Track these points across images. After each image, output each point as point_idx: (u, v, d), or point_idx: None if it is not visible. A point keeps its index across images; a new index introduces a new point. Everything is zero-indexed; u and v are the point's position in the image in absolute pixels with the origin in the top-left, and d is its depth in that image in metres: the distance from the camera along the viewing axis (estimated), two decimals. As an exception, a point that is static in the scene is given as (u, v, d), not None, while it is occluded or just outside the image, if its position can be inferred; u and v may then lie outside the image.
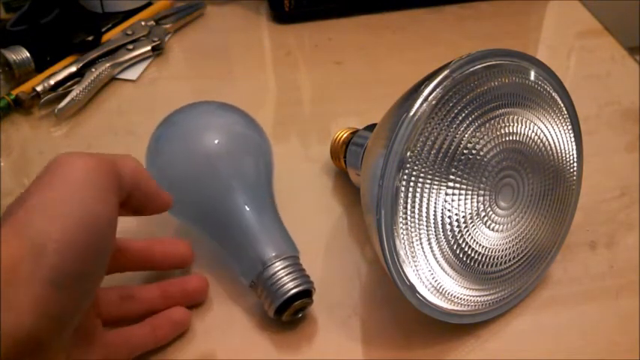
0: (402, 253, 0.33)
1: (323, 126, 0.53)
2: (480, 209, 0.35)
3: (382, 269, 0.34)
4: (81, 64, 0.55)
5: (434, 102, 0.32)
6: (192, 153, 0.39)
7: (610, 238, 0.43)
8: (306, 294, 0.36)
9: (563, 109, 0.37)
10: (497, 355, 0.36)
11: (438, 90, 0.32)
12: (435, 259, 0.34)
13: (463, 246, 0.35)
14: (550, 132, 0.37)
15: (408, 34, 0.63)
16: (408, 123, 0.32)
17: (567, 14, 0.66)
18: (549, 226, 0.39)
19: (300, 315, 0.37)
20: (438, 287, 0.35)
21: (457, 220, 0.34)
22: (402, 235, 0.33)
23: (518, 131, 0.35)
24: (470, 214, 0.35)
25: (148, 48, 0.59)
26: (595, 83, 0.57)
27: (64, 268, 0.27)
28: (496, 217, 0.36)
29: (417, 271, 0.34)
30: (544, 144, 0.37)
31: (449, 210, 0.34)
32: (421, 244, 0.34)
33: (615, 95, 0.56)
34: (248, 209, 0.38)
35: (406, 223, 0.33)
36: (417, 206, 0.33)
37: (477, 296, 0.36)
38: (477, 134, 0.34)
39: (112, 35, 0.60)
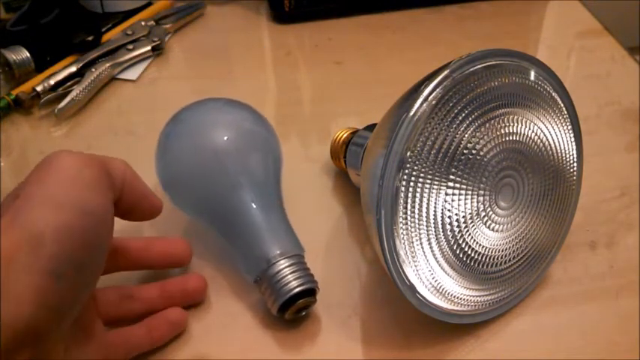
0: (402, 253, 0.33)
1: (323, 126, 0.53)
2: (480, 209, 0.35)
3: (382, 269, 0.34)
4: (81, 64, 0.55)
5: (434, 102, 0.32)
6: (201, 149, 0.39)
7: (610, 238, 0.43)
8: (310, 293, 0.36)
9: (563, 109, 0.37)
10: (497, 355, 0.36)
11: (438, 90, 0.32)
12: (435, 259, 0.34)
13: (463, 246, 0.35)
14: (550, 132, 0.37)
15: (408, 34, 0.63)
16: (408, 123, 0.32)
17: (567, 14, 0.66)
18: (549, 226, 0.39)
19: (303, 313, 0.37)
20: (438, 287, 0.35)
21: (457, 220, 0.34)
22: (402, 235, 0.33)
23: (518, 131, 0.35)
24: (470, 214, 0.35)
25: (148, 48, 0.59)
26: (595, 83, 0.57)
27: (62, 257, 0.27)
28: (496, 217, 0.36)
29: (417, 271, 0.34)
30: (544, 144, 0.37)
31: (449, 210, 0.34)
32: (421, 244, 0.34)
33: (615, 95, 0.56)
34: (255, 206, 0.38)
35: (406, 223, 0.33)
36: (417, 206, 0.33)
37: (477, 296, 0.36)
38: (477, 134, 0.34)
39: (112, 35, 0.60)
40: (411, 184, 0.33)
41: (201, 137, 0.40)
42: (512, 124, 0.35)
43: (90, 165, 0.30)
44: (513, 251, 0.37)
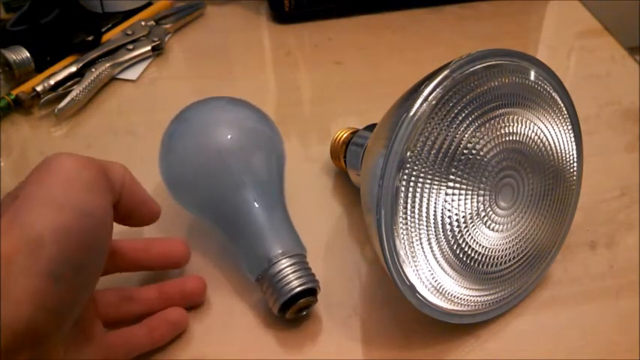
0: (402, 253, 0.33)
1: (323, 126, 0.53)
2: (480, 209, 0.35)
3: (382, 269, 0.34)
4: (81, 64, 0.55)
5: (434, 102, 0.32)
6: (204, 148, 0.39)
7: (610, 238, 0.43)
8: (311, 292, 0.36)
9: (563, 109, 0.37)
10: (497, 355, 0.36)
11: (438, 90, 0.32)
12: (435, 259, 0.34)
13: (463, 246, 0.35)
14: (550, 132, 0.37)
15: (408, 34, 0.63)
16: (408, 123, 0.32)
17: (567, 14, 0.66)
18: (549, 226, 0.39)
19: (304, 313, 0.37)
20: (438, 287, 0.35)
21: (457, 220, 0.34)
22: (402, 235, 0.33)
23: (518, 131, 0.35)
24: (470, 214, 0.35)
25: (148, 48, 0.59)
26: (595, 83, 0.57)
27: (61, 259, 0.27)
28: (496, 217, 0.36)
29: (417, 271, 0.34)
30: (544, 144, 0.37)
31: (449, 210, 0.34)
32: (421, 244, 0.34)
33: (615, 95, 0.56)
34: (257, 205, 0.38)
35: (406, 223, 0.33)
36: (417, 206, 0.33)
37: (477, 296, 0.36)
38: (477, 134, 0.34)
39: (112, 35, 0.60)
40: (411, 184, 0.33)
41: (205, 136, 0.40)
42: (512, 124, 0.35)
43: (89, 167, 0.30)
44: (513, 251, 0.37)
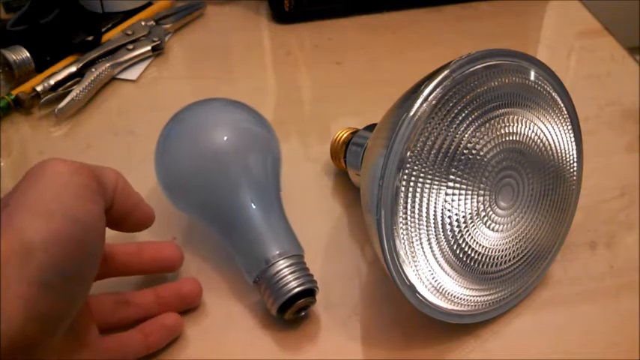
0: (402, 253, 0.33)
1: (323, 126, 0.53)
2: (480, 209, 0.35)
3: (382, 269, 0.34)
4: (81, 64, 0.55)
5: (434, 102, 0.32)
6: (201, 150, 0.39)
7: (610, 238, 0.43)
8: (310, 293, 0.36)
9: (563, 109, 0.37)
10: (497, 355, 0.36)
11: (438, 90, 0.32)
12: (435, 259, 0.34)
13: (463, 246, 0.35)
14: (550, 132, 0.37)
15: (408, 34, 0.63)
16: (408, 123, 0.32)
17: (567, 14, 0.66)
18: (549, 226, 0.39)
19: (302, 314, 0.37)
20: (438, 287, 0.35)
21: (457, 220, 0.34)
22: (402, 235, 0.33)
23: (518, 131, 0.35)
24: (470, 214, 0.35)
25: (148, 48, 0.59)
26: (595, 83, 0.57)
27: (53, 267, 0.26)
28: (496, 217, 0.36)
29: (417, 271, 0.34)
30: (544, 144, 0.37)
31: (449, 210, 0.34)
32: (421, 244, 0.34)
33: (615, 95, 0.56)
34: (254, 207, 0.38)
35: (406, 223, 0.33)
36: (417, 206, 0.33)
37: (477, 296, 0.36)
38: (477, 134, 0.34)
39: (112, 35, 0.60)
40: (411, 184, 0.33)
41: (201, 138, 0.40)
42: (512, 124, 0.35)
43: (81, 172, 0.29)
44: (513, 251, 0.37)
